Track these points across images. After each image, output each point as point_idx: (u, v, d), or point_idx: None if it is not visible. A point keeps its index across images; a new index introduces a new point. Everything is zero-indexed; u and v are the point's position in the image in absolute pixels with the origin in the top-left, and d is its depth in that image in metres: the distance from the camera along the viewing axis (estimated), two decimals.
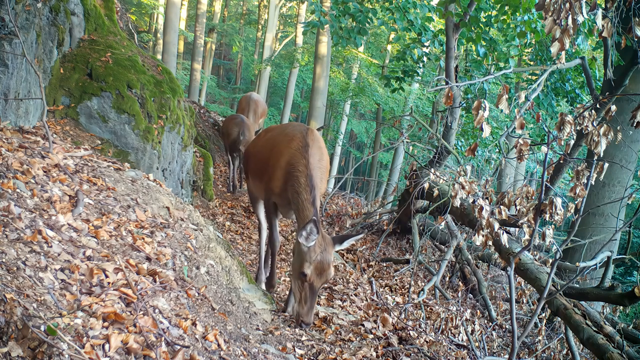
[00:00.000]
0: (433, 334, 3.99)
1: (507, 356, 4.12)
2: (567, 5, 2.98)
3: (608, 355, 3.40)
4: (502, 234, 3.45)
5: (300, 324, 3.21)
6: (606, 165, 3.12)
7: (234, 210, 7.09)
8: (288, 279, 4.74)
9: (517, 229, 4.97)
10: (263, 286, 4.21)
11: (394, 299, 4.97)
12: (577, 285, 4.52)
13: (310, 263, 3.14)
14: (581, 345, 4.19)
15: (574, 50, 7.29)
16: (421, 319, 4.36)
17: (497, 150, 8.56)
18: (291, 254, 5.46)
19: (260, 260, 4.46)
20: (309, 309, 3.18)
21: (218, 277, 3.27)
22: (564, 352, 4.76)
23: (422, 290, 4.93)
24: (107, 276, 2.23)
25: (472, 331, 4.61)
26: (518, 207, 3.42)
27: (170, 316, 2.25)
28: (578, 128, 3.26)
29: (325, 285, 4.76)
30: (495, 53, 7.73)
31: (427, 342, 3.64)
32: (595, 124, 3.23)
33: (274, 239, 3.91)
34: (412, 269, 5.75)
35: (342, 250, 6.60)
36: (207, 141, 9.19)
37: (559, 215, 2.97)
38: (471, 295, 6.21)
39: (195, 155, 6.94)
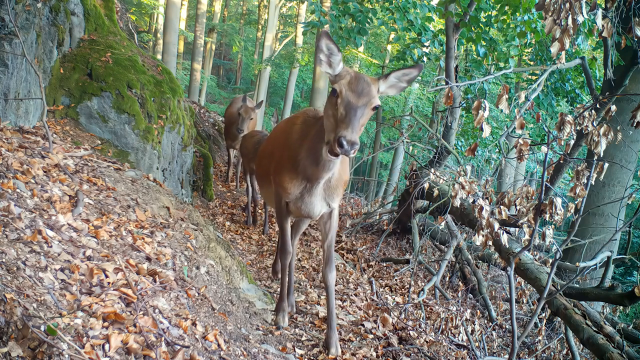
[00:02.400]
0: (433, 334, 3.99)
1: (507, 356, 4.12)
2: (567, 5, 2.98)
3: (608, 355, 3.40)
4: (502, 234, 3.45)
5: (340, 141, 2.26)
6: (606, 165, 3.12)
7: (234, 210, 7.09)
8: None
9: (517, 229, 4.97)
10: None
11: (394, 299, 4.97)
12: (577, 285, 4.52)
13: (341, 78, 2.49)
14: (581, 345, 4.19)
15: (574, 50, 7.29)
16: (421, 319, 4.36)
17: (497, 150, 8.56)
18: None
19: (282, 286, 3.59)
20: (349, 125, 2.30)
21: (218, 277, 3.27)
22: (564, 352, 4.76)
23: (422, 290, 4.92)
24: (107, 276, 2.24)
25: (472, 331, 4.60)
26: (518, 207, 3.42)
27: (170, 316, 2.25)
28: (578, 128, 3.27)
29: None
30: (495, 53, 7.73)
31: (427, 342, 3.65)
32: (595, 124, 3.23)
33: (286, 250, 3.33)
34: (412, 269, 5.75)
35: (342, 250, 6.61)
36: (207, 141, 9.19)
37: (559, 215, 2.97)
38: (471, 295, 6.21)
39: (195, 155, 6.94)
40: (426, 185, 5.78)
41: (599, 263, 4.24)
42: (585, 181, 3.06)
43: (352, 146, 2.26)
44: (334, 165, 2.82)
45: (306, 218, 3.28)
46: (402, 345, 3.48)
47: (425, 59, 8.12)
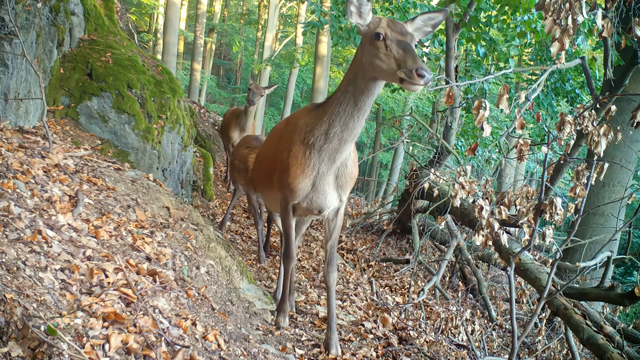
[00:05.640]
0: (433, 334, 3.99)
1: (507, 356, 4.12)
2: (567, 5, 2.98)
3: (608, 355, 3.40)
4: (502, 234, 3.45)
5: (420, 72, 2.32)
6: (606, 165, 3.13)
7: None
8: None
9: (517, 229, 4.97)
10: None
11: (394, 299, 4.97)
12: (577, 285, 4.52)
13: (376, 25, 2.53)
14: (581, 345, 4.19)
15: (574, 50, 7.30)
16: (421, 319, 4.36)
17: (497, 150, 8.56)
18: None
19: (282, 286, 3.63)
20: (415, 58, 2.38)
21: (218, 277, 3.27)
22: (564, 352, 4.76)
23: (422, 290, 4.93)
24: (107, 276, 2.24)
25: (472, 331, 4.61)
26: (518, 207, 3.43)
27: (170, 316, 2.25)
28: (578, 128, 3.27)
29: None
30: (495, 53, 7.73)
31: (427, 342, 3.65)
32: (595, 124, 3.23)
33: (290, 255, 3.32)
34: (412, 269, 5.75)
35: (342, 250, 6.61)
36: (207, 141, 9.19)
37: (559, 215, 2.97)
38: (471, 295, 6.21)
39: (195, 155, 6.94)
40: (426, 185, 5.78)
41: (599, 263, 4.24)
42: (585, 181, 3.06)
43: (430, 74, 2.36)
44: (361, 123, 2.79)
45: (315, 215, 3.20)
46: (402, 345, 3.48)
47: (425, 59, 8.12)
